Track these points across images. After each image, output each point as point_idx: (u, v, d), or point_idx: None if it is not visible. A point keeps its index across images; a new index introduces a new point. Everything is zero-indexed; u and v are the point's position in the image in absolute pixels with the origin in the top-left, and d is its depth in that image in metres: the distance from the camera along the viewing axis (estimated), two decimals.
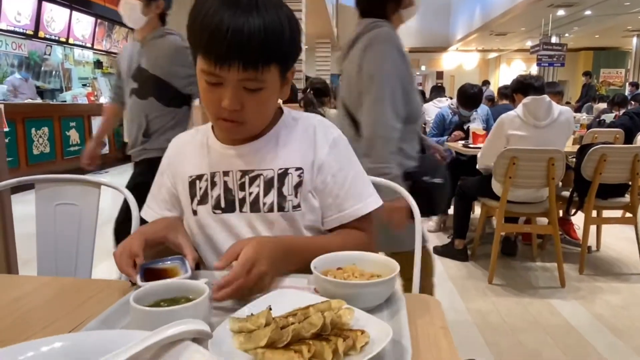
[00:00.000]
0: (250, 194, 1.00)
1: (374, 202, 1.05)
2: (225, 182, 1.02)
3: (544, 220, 3.10)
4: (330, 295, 0.74)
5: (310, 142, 1.03)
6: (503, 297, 2.82)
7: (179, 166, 1.08)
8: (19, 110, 6.09)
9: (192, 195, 1.04)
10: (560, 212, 3.54)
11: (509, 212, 3.01)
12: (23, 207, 1.74)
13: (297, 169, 1.00)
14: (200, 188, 1.03)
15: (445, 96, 5.63)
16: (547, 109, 2.96)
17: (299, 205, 1.00)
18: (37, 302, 0.88)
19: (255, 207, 1.00)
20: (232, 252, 0.83)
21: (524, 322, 2.50)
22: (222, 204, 1.02)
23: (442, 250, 3.49)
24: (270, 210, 0.99)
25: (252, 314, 0.67)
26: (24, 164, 6.13)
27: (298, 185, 1.00)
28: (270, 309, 0.67)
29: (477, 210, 3.82)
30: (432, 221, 4.20)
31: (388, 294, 0.79)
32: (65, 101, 7.81)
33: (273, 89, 0.95)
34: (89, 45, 8.85)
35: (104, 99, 8.23)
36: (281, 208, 0.99)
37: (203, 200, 1.03)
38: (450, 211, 3.74)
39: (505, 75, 20.12)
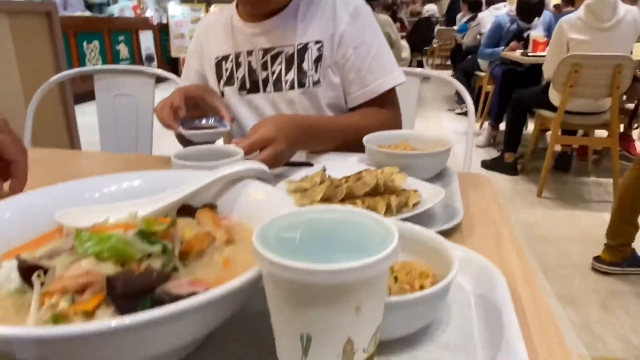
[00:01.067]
0: (272, 73, 1.01)
1: (398, 76, 1.01)
2: (249, 62, 1.02)
3: (602, 134, 2.94)
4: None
5: (329, 13, 0.99)
6: (552, 210, 2.78)
7: (206, 48, 1.08)
8: (71, 24, 6.17)
9: (219, 77, 1.05)
10: (621, 127, 3.34)
11: (566, 123, 2.87)
12: (84, 119, 1.81)
13: (317, 42, 0.98)
14: (226, 69, 1.04)
15: (505, 1, 5.20)
16: (612, 9, 2.70)
17: (319, 81, 0.99)
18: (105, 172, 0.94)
19: (277, 85, 1.00)
20: (253, 132, 0.82)
21: (573, 234, 2.48)
22: (247, 85, 1.03)
23: (491, 164, 3.42)
24: (292, 87, 0.99)
25: (307, 176, 0.69)
26: (78, 78, 6.32)
27: (318, 59, 0.98)
28: (325, 169, 0.69)
29: (530, 127, 3.66)
30: (482, 136, 4.08)
31: (441, 167, 0.79)
32: (113, 14, 7.82)
33: None
34: None
35: (149, 12, 8.19)
36: (301, 84, 0.99)
37: (229, 82, 1.04)
38: (502, 126, 3.61)
39: None
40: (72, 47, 6.18)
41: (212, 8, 7.81)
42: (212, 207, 0.50)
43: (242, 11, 1.04)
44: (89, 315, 0.32)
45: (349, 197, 0.63)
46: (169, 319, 0.30)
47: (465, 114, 4.40)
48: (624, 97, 3.25)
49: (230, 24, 1.05)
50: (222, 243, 0.43)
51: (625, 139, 3.59)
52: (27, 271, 0.36)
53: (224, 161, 0.65)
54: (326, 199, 0.63)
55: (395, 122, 1.01)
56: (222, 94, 1.05)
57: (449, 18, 9.17)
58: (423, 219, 0.61)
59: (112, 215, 0.45)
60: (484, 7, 5.77)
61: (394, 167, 0.70)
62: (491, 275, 0.46)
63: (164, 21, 8.13)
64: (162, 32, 8.03)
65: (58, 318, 0.32)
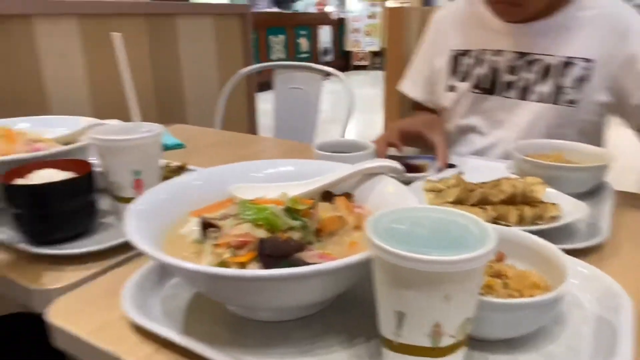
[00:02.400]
0: (522, 79, 0.93)
1: None
2: (494, 62, 0.96)
3: None
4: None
5: (614, 31, 0.88)
6: None
7: (443, 38, 1.04)
8: (262, 19, 6.92)
9: (453, 71, 1.01)
10: None
11: None
12: (264, 105, 2.06)
13: (586, 60, 0.88)
14: (464, 64, 1.00)
15: None
16: None
17: (576, 102, 0.89)
18: (266, 156, 1.10)
19: (524, 93, 0.94)
20: (434, 136, 0.87)
21: None
22: (485, 84, 0.97)
23: None
24: (540, 100, 0.92)
25: (444, 177, 0.73)
26: (251, 57, 7.07)
27: (582, 79, 0.89)
28: (462, 172, 0.71)
29: None
30: None
31: (593, 183, 0.74)
32: (297, 10, 8.51)
33: None
34: None
35: (329, 8, 8.68)
36: (555, 100, 0.91)
37: (464, 77, 1.00)
38: None
39: None
40: (261, 40, 6.92)
41: (388, 3, 7.95)
42: (349, 195, 0.57)
43: None
44: (243, 265, 0.43)
45: (482, 203, 0.65)
46: (298, 277, 0.39)
47: None
48: None
49: (476, 18, 0.99)
50: (352, 227, 0.51)
51: None
52: (205, 226, 0.48)
53: (358, 154, 0.72)
54: (458, 202, 0.66)
55: None
56: (452, 88, 1.02)
57: None
58: (559, 233, 0.60)
59: (269, 193, 0.55)
60: None
61: (537, 177, 0.69)
62: (616, 297, 0.44)
63: (343, 16, 8.56)
64: (339, 26, 8.46)
65: (222, 264, 0.43)
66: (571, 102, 0.90)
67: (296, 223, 0.47)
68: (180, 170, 0.79)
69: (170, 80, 1.57)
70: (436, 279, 0.32)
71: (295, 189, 0.57)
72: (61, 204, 0.58)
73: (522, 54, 0.93)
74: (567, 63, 0.90)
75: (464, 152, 1.02)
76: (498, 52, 0.95)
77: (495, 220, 0.62)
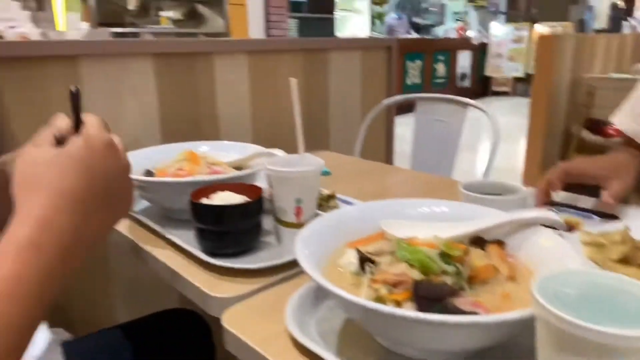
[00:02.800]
0: None
1: None
2: None
3: None
4: None
5: None
6: None
7: None
8: (401, 45, 7.01)
9: None
10: None
11: None
12: (400, 129, 2.10)
13: None
14: None
15: None
16: None
17: None
18: (405, 190, 1.12)
19: None
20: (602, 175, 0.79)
21: None
22: None
23: None
24: None
25: (606, 231, 0.68)
26: (399, 92, 7.14)
27: None
28: (629, 228, 0.65)
29: None
30: None
31: None
32: (437, 36, 8.45)
33: None
34: None
35: (470, 32, 8.47)
36: None
37: None
38: None
39: None
40: (398, 64, 7.01)
41: (537, 27, 7.48)
42: (501, 243, 0.57)
43: None
44: (398, 304, 0.46)
45: None
46: (451, 326, 0.40)
47: None
48: None
49: None
50: (505, 278, 0.51)
51: None
52: (362, 260, 0.52)
53: (508, 198, 0.70)
54: (623, 261, 0.61)
55: None
56: None
57: None
58: None
59: (421, 232, 0.57)
60: None
61: None
62: None
63: (485, 41, 8.28)
64: (480, 51, 8.20)
65: (379, 299, 0.46)
66: None
67: (450, 268, 0.48)
68: (330, 198, 0.86)
69: (317, 109, 1.68)
70: (608, 351, 0.31)
71: (446, 231, 0.58)
72: (237, 224, 0.67)
73: None
74: None
75: None
76: None
77: None
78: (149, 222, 0.80)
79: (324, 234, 0.57)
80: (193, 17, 5.76)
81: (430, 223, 0.61)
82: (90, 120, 0.49)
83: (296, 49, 1.58)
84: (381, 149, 1.95)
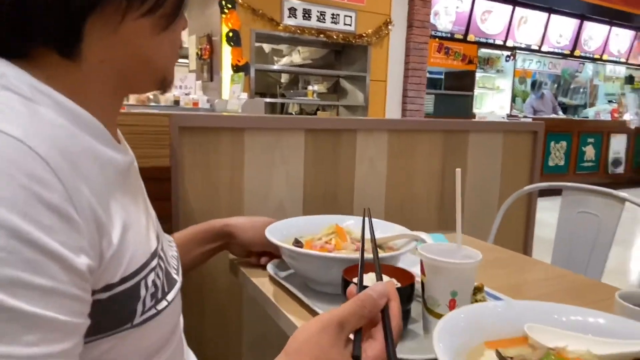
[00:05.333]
0: None
1: None
2: None
3: None
4: None
5: None
6: None
7: None
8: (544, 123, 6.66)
9: None
10: None
11: None
12: (540, 214, 1.97)
13: None
14: None
15: None
16: None
17: None
18: (547, 289, 1.04)
19: None
20: None
21: None
22: None
23: None
24: None
25: None
26: (539, 174, 6.69)
27: None
28: None
29: None
30: None
31: None
32: (587, 117, 7.88)
33: None
34: (622, 60, 8.49)
35: (628, 116, 7.73)
36: None
37: None
38: None
39: None
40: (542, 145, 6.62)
41: None
42: None
43: None
44: None
45: None
46: None
47: None
48: None
49: None
50: None
51: None
52: None
53: None
54: None
55: None
56: None
57: None
58: None
59: (570, 343, 0.54)
60: None
61: None
62: None
63: None
64: (638, 136, 7.41)
65: None
66: None
67: None
68: (477, 291, 0.82)
69: (453, 190, 1.68)
70: None
71: (602, 347, 0.54)
72: None
73: None
74: None
75: None
76: None
77: None
78: (293, 289, 0.84)
79: (464, 329, 0.56)
80: (335, 90, 6.21)
81: (582, 335, 0.57)
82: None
83: (437, 129, 1.62)
84: (519, 238, 1.84)
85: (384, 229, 0.94)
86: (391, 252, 0.87)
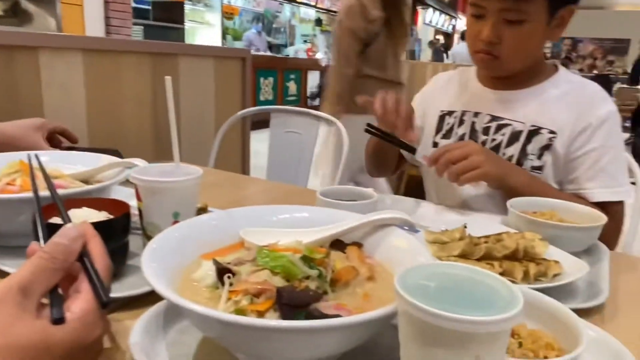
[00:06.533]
0: (492, 140, 1.02)
1: (621, 194, 0.95)
2: (473, 123, 1.06)
3: None
4: None
5: (578, 109, 0.97)
6: None
7: (432, 100, 1.16)
8: (254, 61, 7.05)
9: (438, 129, 1.11)
10: None
11: None
12: (255, 145, 2.08)
13: (551, 132, 0.97)
14: (447, 123, 1.10)
15: None
16: None
17: (539, 168, 0.98)
18: (264, 200, 1.10)
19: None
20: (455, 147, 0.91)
21: None
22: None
23: None
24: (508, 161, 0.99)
25: (446, 229, 0.74)
26: (251, 100, 7.16)
27: (545, 147, 0.97)
28: (465, 226, 0.72)
29: None
30: None
31: (589, 243, 0.76)
32: (288, 55, 8.75)
33: (536, 24, 0.93)
34: (312, 3, 9.64)
35: (319, 55, 8.95)
36: (519, 163, 0.98)
37: (447, 135, 1.09)
38: None
39: None
40: (252, 80, 7.04)
41: None
42: (359, 245, 0.58)
43: (482, 75, 1.09)
44: (260, 314, 0.42)
45: (487, 258, 0.66)
46: (317, 330, 0.39)
47: None
48: None
49: (466, 84, 1.11)
50: (364, 278, 0.51)
51: None
52: (220, 271, 0.47)
53: (363, 202, 0.74)
54: (463, 256, 0.67)
55: (607, 235, 0.78)
56: (435, 144, 1.11)
57: (634, 76, 8.26)
58: (561, 292, 0.61)
59: (282, 239, 0.55)
60: None
61: (535, 233, 0.70)
62: None
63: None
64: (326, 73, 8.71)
65: (239, 311, 0.42)
66: (535, 169, 0.98)
67: (313, 272, 0.47)
68: (201, 211, 0.78)
69: (167, 117, 1.58)
70: (467, 339, 0.32)
71: (307, 236, 0.57)
72: None
73: (495, 117, 1.03)
74: (535, 132, 0.98)
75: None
76: (476, 114, 1.06)
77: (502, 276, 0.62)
78: None
79: (176, 246, 0.51)
80: (16, 13, 5.03)
81: (292, 229, 0.59)
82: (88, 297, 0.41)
83: (143, 51, 1.46)
84: (237, 161, 1.91)
85: (90, 161, 0.79)
86: (98, 185, 0.74)
